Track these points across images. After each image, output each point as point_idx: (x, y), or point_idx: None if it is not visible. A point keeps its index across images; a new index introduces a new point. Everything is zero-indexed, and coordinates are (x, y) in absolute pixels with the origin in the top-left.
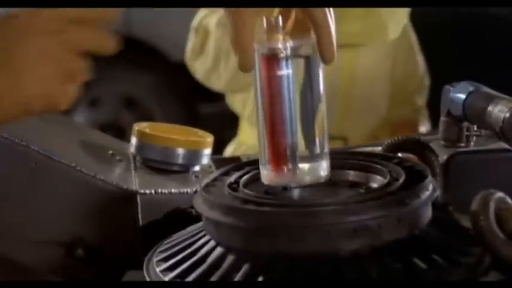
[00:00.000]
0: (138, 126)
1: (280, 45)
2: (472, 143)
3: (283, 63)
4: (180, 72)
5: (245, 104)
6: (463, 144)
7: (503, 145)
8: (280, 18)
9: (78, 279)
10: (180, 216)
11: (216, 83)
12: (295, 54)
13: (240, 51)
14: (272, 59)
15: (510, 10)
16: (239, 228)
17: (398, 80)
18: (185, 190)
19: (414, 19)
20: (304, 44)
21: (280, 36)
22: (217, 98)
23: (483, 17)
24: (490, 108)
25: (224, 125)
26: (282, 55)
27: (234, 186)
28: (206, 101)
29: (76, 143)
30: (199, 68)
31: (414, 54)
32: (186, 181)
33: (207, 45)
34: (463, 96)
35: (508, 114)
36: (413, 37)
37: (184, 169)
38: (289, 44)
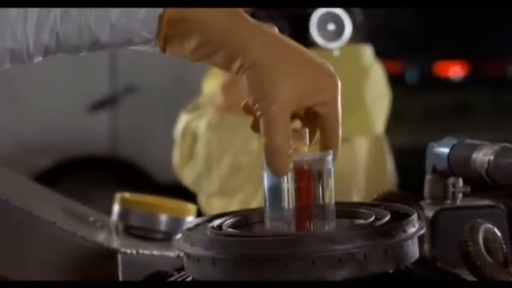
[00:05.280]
0: (121, 195)
1: (307, 158)
2: (458, 200)
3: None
4: (165, 193)
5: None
6: (449, 201)
7: (489, 202)
8: (307, 130)
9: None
10: (162, 279)
11: (208, 187)
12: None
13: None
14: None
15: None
16: (221, 260)
17: (371, 182)
18: (168, 254)
19: None
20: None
21: (306, 149)
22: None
23: None
24: (474, 155)
25: None
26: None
27: (217, 229)
28: None
29: (58, 206)
30: (189, 174)
31: (386, 157)
32: (168, 246)
33: (195, 149)
34: (447, 149)
35: (492, 157)
36: (384, 140)
37: (167, 237)
38: (314, 156)
